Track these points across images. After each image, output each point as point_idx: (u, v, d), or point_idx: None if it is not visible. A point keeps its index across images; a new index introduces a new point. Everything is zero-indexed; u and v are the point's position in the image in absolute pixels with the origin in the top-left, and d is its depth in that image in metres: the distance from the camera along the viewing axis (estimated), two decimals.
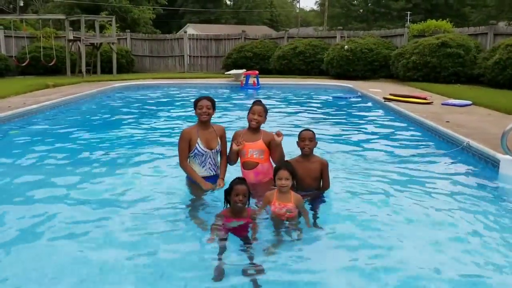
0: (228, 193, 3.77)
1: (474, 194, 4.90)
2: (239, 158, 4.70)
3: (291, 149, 4.79)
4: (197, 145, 4.59)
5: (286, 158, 4.53)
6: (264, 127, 4.78)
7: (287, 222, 3.87)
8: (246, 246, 3.54)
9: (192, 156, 4.65)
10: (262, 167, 4.56)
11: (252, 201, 4.16)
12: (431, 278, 3.18)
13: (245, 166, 4.63)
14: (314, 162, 4.50)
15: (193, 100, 4.78)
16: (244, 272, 3.19)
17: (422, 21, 20.38)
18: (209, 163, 4.70)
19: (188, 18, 56.00)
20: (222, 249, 3.48)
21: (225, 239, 3.62)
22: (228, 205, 3.82)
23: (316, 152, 4.82)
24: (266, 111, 4.65)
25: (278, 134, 4.40)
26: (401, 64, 17.05)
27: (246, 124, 4.69)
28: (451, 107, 10.46)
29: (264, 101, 4.80)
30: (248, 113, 4.63)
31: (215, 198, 4.42)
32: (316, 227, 3.97)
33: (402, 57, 17.18)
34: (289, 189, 3.95)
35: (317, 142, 4.55)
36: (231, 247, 3.54)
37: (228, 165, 4.80)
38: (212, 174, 4.74)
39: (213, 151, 4.68)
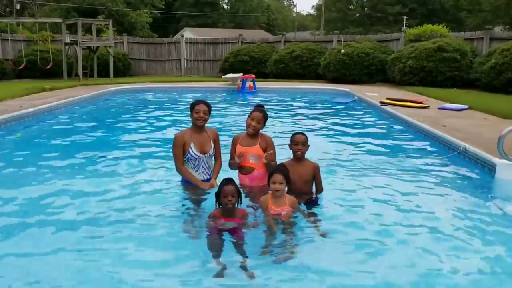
0: (218, 195, 3.82)
1: (470, 198, 4.91)
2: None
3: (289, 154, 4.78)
4: (190, 149, 4.58)
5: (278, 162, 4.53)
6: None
7: (282, 225, 3.86)
8: (238, 247, 3.56)
9: (185, 160, 4.64)
10: (258, 173, 4.55)
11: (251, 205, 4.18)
12: (427, 281, 3.18)
13: (241, 170, 4.64)
14: (306, 166, 4.49)
15: (190, 103, 4.77)
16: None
17: (419, 26, 20.46)
18: (203, 167, 4.70)
19: (185, 22, 56.00)
20: (219, 251, 3.50)
21: (220, 240, 3.64)
22: (220, 206, 3.85)
23: (312, 155, 4.81)
24: (265, 118, 4.64)
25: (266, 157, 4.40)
26: (397, 68, 17.10)
27: (243, 128, 4.69)
28: (448, 111, 10.49)
29: (263, 107, 4.77)
30: (248, 117, 4.63)
31: (211, 201, 4.40)
32: (318, 230, 3.95)
33: (398, 61, 17.22)
34: (283, 193, 3.95)
35: (309, 146, 4.55)
36: (227, 249, 3.56)
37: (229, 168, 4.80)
38: (206, 178, 4.73)
39: (206, 155, 4.68)
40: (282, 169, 4.04)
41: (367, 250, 3.63)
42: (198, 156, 4.62)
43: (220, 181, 3.92)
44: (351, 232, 3.97)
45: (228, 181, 3.84)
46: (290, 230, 3.84)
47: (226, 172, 4.78)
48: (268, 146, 4.56)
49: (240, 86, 16.55)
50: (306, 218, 4.02)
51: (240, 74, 17.92)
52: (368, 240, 3.80)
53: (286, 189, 4.09)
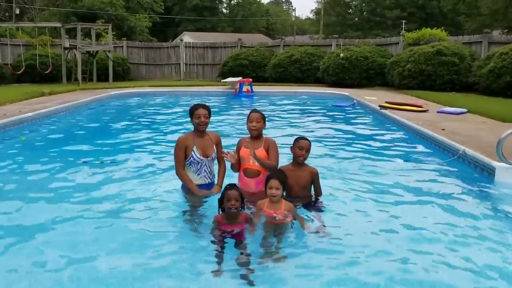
0: (221, 200, 3.82)
1: (469, 202, 4.91)
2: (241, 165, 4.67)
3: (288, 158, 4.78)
4: (193, 153, 4.58)
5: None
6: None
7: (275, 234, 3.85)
8: (240, 252, 3.56)
9: (187, 164, 4.64)
10: (264, 177, 4.46)
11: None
12: (427, 283, 3.18)
13: (246, 173, 4.60)
14: (305, 171, 4.48)
15: (189, 109, 4.76)
16: (243, 277, 3.23)
17: (417, 30, 20.51)
18: (205, 170, 4.69)
19: (184, 26, 56.16)
20: (220, 256, 3.50)
21: (223, 246, 3.64)
22: (223, 211, 3.85)
23: (310, 159, 4.80)
24: (263, 117, 4.66)
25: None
26: (396, 72, 17.12)
27: (240, 131, 4.69)
28: (447, 115, 10.50)
29: (258, 109, 4.80)
30: (247, 122, 4.64)
31: (211, 206, 4.39)
32: (321, 229, 3.97)
33: (397, 65, 17.25)
34: (280, 198, 3.95)
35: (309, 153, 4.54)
36: (229, 252, 3.56)
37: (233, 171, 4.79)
38: (207, 182, 4.72)
39: (208, 159, 4.67)
40: (279, 174, 4.03)
41: (365, 252, 3.62)
42: (201, 160, 4.62)
43: (224, 187, 3.92)
44: (349, 234, 3.97)
45: (232, 186, 3.87)
46: (284, 232, 3.84)
47: (230, 178, 4.77)
48: (270, 149, 4.55)
49: (238, 90, 16.57)
50: (301, 224, 3.98)
51: (239, 78, 17.96)
52: (366, 243, 3.80)
53: (284, 193, 4.09)
